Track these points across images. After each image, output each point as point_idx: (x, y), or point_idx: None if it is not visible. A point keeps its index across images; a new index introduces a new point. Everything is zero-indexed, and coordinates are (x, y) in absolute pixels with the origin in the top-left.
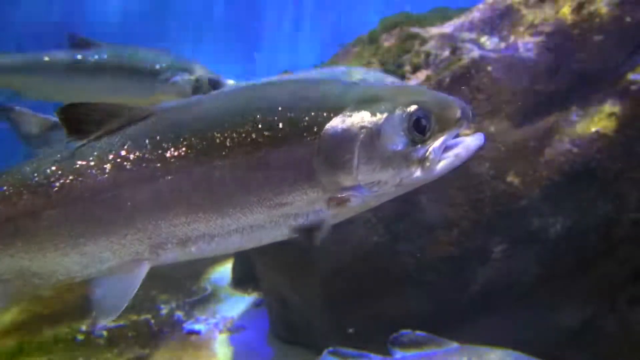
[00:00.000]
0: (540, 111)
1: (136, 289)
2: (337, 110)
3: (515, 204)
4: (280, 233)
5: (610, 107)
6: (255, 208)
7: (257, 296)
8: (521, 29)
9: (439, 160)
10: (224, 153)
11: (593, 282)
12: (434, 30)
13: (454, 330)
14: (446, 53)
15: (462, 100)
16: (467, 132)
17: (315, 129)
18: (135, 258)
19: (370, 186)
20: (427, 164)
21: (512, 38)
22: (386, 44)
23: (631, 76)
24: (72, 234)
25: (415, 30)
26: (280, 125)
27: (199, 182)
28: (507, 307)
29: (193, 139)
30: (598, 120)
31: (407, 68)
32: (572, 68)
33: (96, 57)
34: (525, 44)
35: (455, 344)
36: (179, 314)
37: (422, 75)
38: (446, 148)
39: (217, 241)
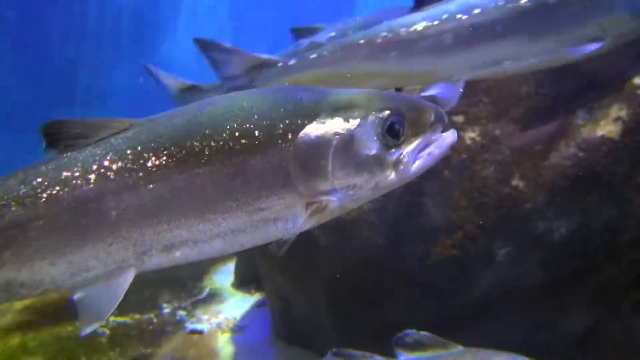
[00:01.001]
0: (545, 115)
1: (122, 296)
2: (311, 117)
3: (519, 208)
4: (261, 237)
5: (616, 111)
6: (235, 213)
7: (259, 297)
8: None
9: (413, 162)
10: (202, 161)
11: (597, 287)
12: None
13: (458, 333)
14: None
15: (436, 105)
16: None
17: (290, 136)
18: (121, 265)
19: (346, 190)
20: (401, 167)
21: None
22: None
23: (637, 80)
24: (59, 244)
25: None
26: (256, 132)
27: (180, 190)
28: (511, 312)
29: (173, 148)
30: (604, 125)
31: None
32: (578, 72)
33: None
34: None
35: (460, 347)
36: (182, 313)
37: None
38: (421, 149)
39: (201, 246)
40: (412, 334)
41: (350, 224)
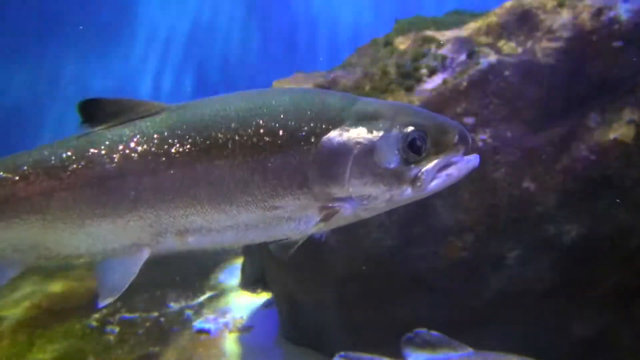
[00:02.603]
0: (557, 117)
1: (136, 273)
2: (336, 123)
3: (530, 210)
4: (272, 234)
5: (629, 114)
6: (251, 208)
7: (266, 297)
8: (539, 34)
9: (431, 180)
10: (225, 153)
11: (608, 291)
12: (451, 34)
13: (467, 336)
14: (463, 57)
15: (462, 125)
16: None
17: (312, 139)
18: (137, 243)
19: (360, 199)
20: (419, 183)
21: (529, 43)
22: (401, 46)
23: None
24: (80, 215)
25: (431, 33)
26: (281, 132)
27: (199, 179)
28: (521, 315)
29: (198, 137)
30: (617, 128)
31: (424, 71)
32: (591, 74)
33: None
34: (543, 49)
35: (470, 349)
36: (189, 312)
37: (438, 78)
38: (441, 168)
39: (213, 235)
40: (422, 333)
41: (360, 225)
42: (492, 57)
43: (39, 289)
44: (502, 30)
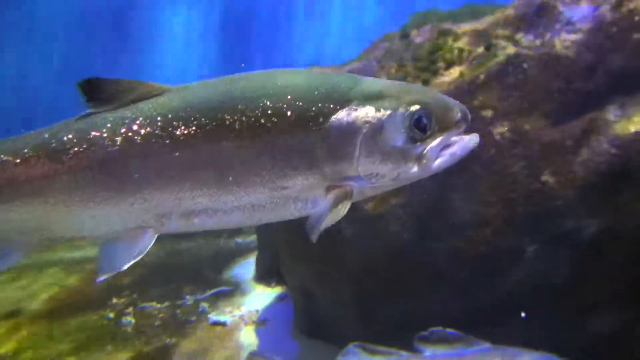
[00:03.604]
0: (577, 110)
1: (139, 256)
2: (343, 103)
3: (549, 204)
4: (279, 214)
5: None
6: (258, 188)
7: (280, 290)
8: (558, 25)
9: (436, 158)
10: (232, 134)
11: (627, 286)
12: (468, 27)
13: (484, 330)
14: (480, 50)
15: (462, 104)
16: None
17: (321, 119)
18: (141, 225)
19: (368, 178)
20: (424, 161)
21: (548, 35)
22: (418, 40)
23: None
24: (82, 198)
25: (448, 26)
26: (289, 112)
27: (205, 160)
28: (539, 309)
29: (203, 119)
30: (638, 121)
31: (440, 64)
32: (611, 66)
33: None
34: (563, 41)
35: (487, 344)
36: (204, 305)
37: (455, 71)
38: (443, 147)
39: (220, 216)
40: (437, 332)
41: (377, 218)
42: (511, 50)
43: (57, 282)
44: (520, 23)
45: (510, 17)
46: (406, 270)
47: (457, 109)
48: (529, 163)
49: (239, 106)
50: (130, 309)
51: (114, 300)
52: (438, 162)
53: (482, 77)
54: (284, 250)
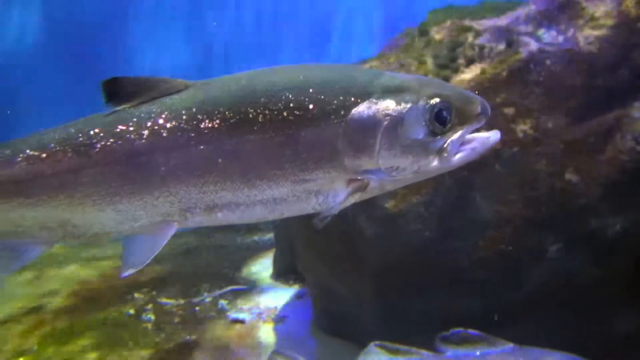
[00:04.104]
0: (601, 107)
1: (160, 248)
2: (364, 96)
3: (573, 203)
4: (301, 208)
5: None
6: (281, 182)
7: (298, 288)
8: (581, 21)
9: (456, 153)
10: (255, 128)
11: None
12: (488, 23)
13: (505, 330)
14: (502, 46)
15: (483, 98)
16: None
17: (342, 113)
18: (165, 219)
19: (389, 171)
20: (445, 154)
21: (571, 31)
22: (437, 36)
23: None
24: (108, 192)
25: (468, 22)
26: (310, 106)
27: (229, 154)
28: (561, 309)
29: (227, 112)
30: None
31: (461, 61)
32: (636, 62)
33: None
34: (586, 37)
35: (510, 345)
36: (223, 302)
37: (476, 68)
38: (463, 142)
39: (242, 210)
40: (458, 332)
41: (398, 216)
42: (533, 46)
43: (77, 278)
44: (542, 19)
45: (532, 13)
46: (427, 268)
47: (478, 103)
48: (551, 161)
49: (262, 100)
50: (150, 306)
51: (135, 295)
52: (459, 157)
53: (503, 74)
54: (303, 248)
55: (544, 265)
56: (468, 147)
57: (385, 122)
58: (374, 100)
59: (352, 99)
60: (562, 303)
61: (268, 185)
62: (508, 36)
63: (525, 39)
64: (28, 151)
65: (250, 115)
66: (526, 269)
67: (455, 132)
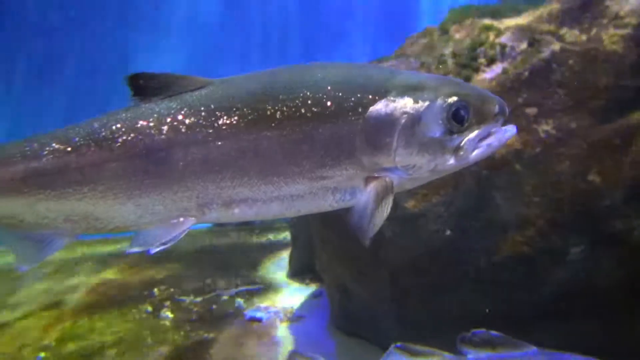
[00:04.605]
0: (625, 107)
1: (176, 240)
2: (382, 94)
3: (596, 204)
4: (318, 205)
5: None
6: (298, 178)
7: (315, 287)
8: (605, 20)
9: (473, 150)
10: (273, 124)
11: None
12: (510, 22)
13: (526, 332)
14: (524, 45)
15: (501, 97)
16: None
17: (360, 110)
18: (184, 214)
19: (406, 169)
20: (461, 153)
21: (594, 30)
22: (458, 35)
23: None
24: (129, 186)
25: (489, 21)
26: (328, 103)
27: (247, 150)
28: (583, 312)
29: (245, 109)
30: None
31: (482, 60)
32: None
33: None
34: (610, 36)
35: (533, 347)
36: (240, 300)
37: (497, 68)
38: (482, 137)
39: (259, 206)
40: (480, 333)
41: (417, 216)
42: (555, 46)
43: (95, 275)
44: (565, 18)
45: (555, 11)
46: (446, 269)
47: (496, 102)
48: (575, 162)
49: (280, 97)
50: (167, 303)
51: (154, 292)
52: (475, 154)
53: (526, 73)
54: (321, 247)
55: (566, 267)
56: (484, 143)
57: (403, 120)
58: (392, 98)
59: (370, 96)
60: (585, 306)
61: (285, 181)
62: (530, 35)
63: (548, 38)
64: (54, 145)
65: (268, 112)
66: (548, 271)
67: (472, 131)
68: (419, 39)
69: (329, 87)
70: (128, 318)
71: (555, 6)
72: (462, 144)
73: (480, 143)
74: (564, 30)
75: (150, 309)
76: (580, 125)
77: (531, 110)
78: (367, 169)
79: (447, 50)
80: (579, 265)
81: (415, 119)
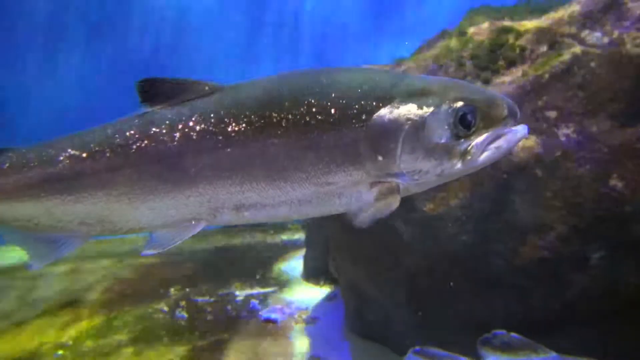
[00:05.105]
0: None
1: (186, 238)
2: (386, 100)
3: (617, 209)
4: (324, 209)
5: None
6: (304, 184)
7: (329, 289)
8: (627, 23)
9: (481, 153)
10: (279, 132)
11: None
12: (529, 24)
13: (544, 338)
14: (544, 48)
15: (510, 99)
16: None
17: (364, 117)
18: (196, 217)
19: (412, 174)
20: (469, 157)
21: (616, 33)
22: (476, 37)
23: None
24: (143, 191)
25: (508, 23)
26: (332, 110)
27: (255, 156)
28: (604, 319)
29: (253, 116)
30: None
31: (501, 63)
32: None
33: None
34: (633, 39)
35: (553, 354)
36: (255, 301)
37: (517, 71)
38: (490, 140)
39: (268, 210)
40: (500, 334)
41: (435, 219)
42: (577, 48)
43: (111, 274)
44: (586, 20)
45: (576, 13)
46: (464, 273)
47: (504, 105)
48: (596, 166)
49: (286, 104)
50: (183, 303)
51: (170, 291)
52: (483, 157)
53: (546, 76)
54: (337, 250)
55: (586, 273)
56: (492, 146)
57: (407, 127)
58: (396, 105)
59: (374, 103)
60: (606, 312)
61: (292, 187)
62: (551, 38)
63: (569, 40)
64: (70, 151)
65: (275, 120)
66: (568, 276)
67: (480, 135)
68: (436, 40)
69: (333, 95)
70: (144, 317)
71: (576, 8)
72: (469, 148)
73: (489, 146)
74: (585, 33)
75: (166, 308)
76: (601, 129)
77: (551, 114)
78: (372, 175)
79: (466, 52)
80: (600, 271)
81: (419, 125)
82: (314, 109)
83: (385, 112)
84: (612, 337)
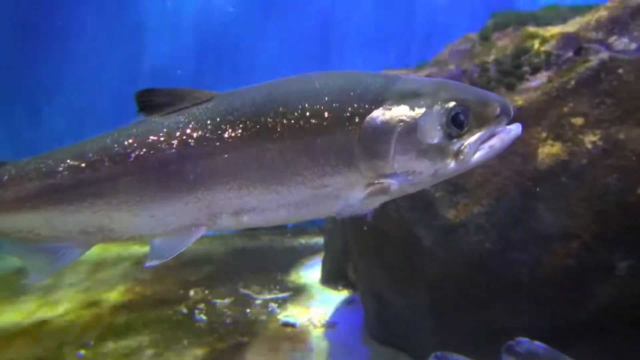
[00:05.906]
0: None
1: (187, 246)
2: (378, 102)
3: None
4: (322, 211)
5: None
6: (300, 187)
7: (347, 293)
8: None
9: (474, 153)
10: (274, 137)
11: None
12: (555, 30)
13: (568, 348)
14: (570, 54)
15: (503, 97)
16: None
17: (356, 120)
18: (195, 223)
19: (406, 175)
20: (462, 157)
21: None
22: (500, 42)
23: None
24: (143, 199)
25: (533, 29)
26: (326, 114)
27: (251, 161)
28: (630, 330)
29: (248, 122)
30: None
31: (526, 69)
32: None
33: None
34: None
35: None
36: (273, 305)
37: (542, 76)
38: (484, 140)
39: (267, 214)
40: (525, 342)
41: (458, 226)
42: (604, 54)
43: (131, 275)
44: (614, 25)
45: (603, 19)
46: (486, 280)
47: (497, 104)
48: (623, 174)
49: (280, 109)
50: (202, 305)
51: (190, 293)
52: (477, 156)
53: (572, 82)
54: (357, 255)
55: (612, 282)
56: (486, 144)
57: (399, 128)
58: (388, 107)
59: (366, 105)
60: (631, 323)
61: (289, 191)
62: (577, 43)
63: (596, 46)
64: (69, 161)
65: (270, 125)
66: (593, 286)
67: (473, 134)
68: (458, 45)
69: (326, 98)
70: (164, 319)
71: (603, 13)
72: (462, 147)
73: (482, 145)
74: (612, 38)
75: (185, 310)
76: (629, 136)
77: (577, 121)
78: (367, 176)
79: (490, 58)
80: (627, 281)
81: (411, 126)
82: (307, 113)
83: (377, 115)
84: (636, 347)
